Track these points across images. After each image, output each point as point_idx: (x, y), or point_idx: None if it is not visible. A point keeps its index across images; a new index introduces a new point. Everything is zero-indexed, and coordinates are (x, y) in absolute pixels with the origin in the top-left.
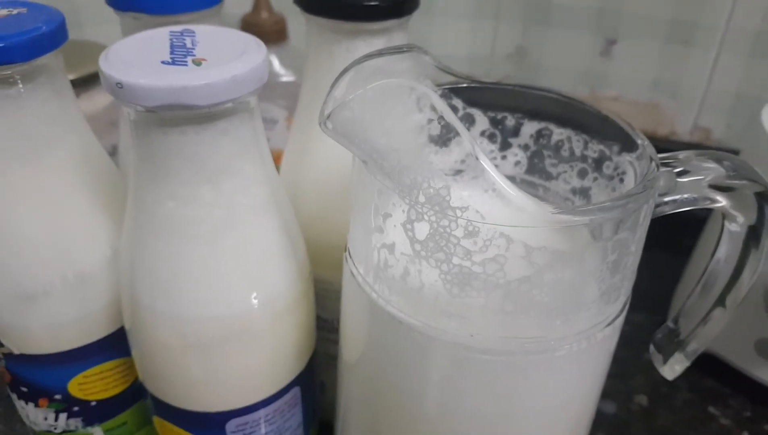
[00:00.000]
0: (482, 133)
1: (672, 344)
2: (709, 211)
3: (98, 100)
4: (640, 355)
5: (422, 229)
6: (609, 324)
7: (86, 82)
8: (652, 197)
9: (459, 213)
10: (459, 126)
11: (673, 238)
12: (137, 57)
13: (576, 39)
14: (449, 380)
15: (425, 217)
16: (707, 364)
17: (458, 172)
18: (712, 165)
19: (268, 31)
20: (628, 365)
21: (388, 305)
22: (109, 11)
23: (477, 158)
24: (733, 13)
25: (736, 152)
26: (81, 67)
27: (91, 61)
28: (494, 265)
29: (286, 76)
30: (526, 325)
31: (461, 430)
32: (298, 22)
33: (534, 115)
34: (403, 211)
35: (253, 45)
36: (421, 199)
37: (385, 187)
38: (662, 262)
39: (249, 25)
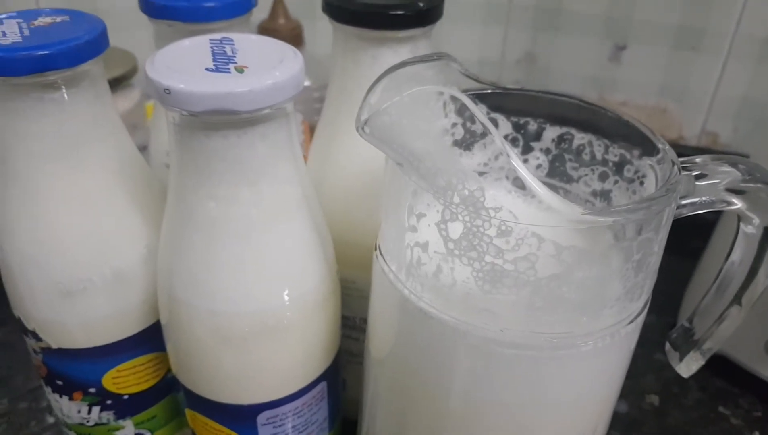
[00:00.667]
0: (505, 137)
1: (688, 343)
2: (719, 213)
3: (120, 104)
4: (652, 355)
5: (456, 229)
6: (632, 321)
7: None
8: (674, 200)
9: (492, 213)
10: (492, 128)
11: (682, 241)
12: (182, 64)
13: (585, 45)
14: (478, 374)
15: (459, 217)
16: (717, 365)
17: (481, 174)
18: (728, 169)
19: (285, 37)
20: (640, 365)
21: (420, 301)
22: (131, 17)
23: (509, 157)
24: (741, 19)
25: (745, 156)
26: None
27: (114, 66)
28: (525, 263)
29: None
30: (553, 321)
31: (487, 424)
32: (314, 28)
33: (556, 120)
34: (438, 211)
35: (290, 53)
36: (456, 200)
37: (420, 188)
38: (672, 264)
39: (266, 31)
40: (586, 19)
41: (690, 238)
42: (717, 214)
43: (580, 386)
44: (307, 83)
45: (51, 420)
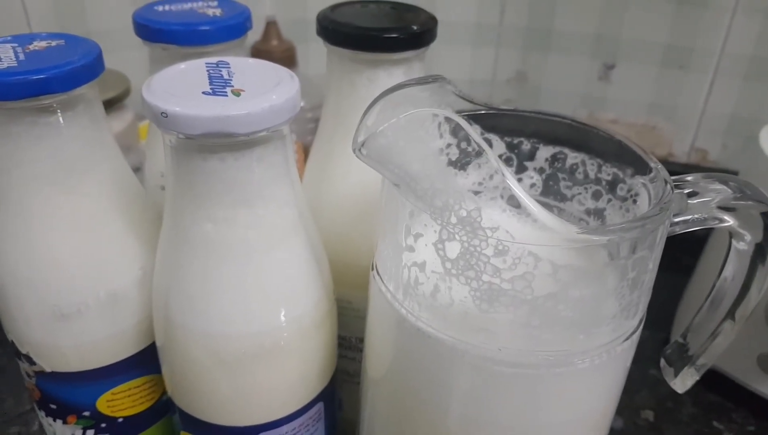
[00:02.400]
0: (499, 157)
1: (682, 359)
2: (710, 230)
3: (113, 125)
4: (646, 371)
5: (453, 248)
6: (627, 338)
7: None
8: (668, 218)
9: (490, 233)
10: (486, 148)
11: (674, 258)
12: (178, 87)
13: (575, 64)
14: (475, 393)
15: (456, 236)
16: (711, 380)
17: (476, 193)
18: (719, 186)
19: (278, 58)
20: (635, 381)
21: (417, 321)
22: (123, 38)
23: (504, 176)
24: (727, 38)
25: (734, 173)
26: None
27: (107, 88)
28: (522, 282)
29: None
30: (550, 340)
31: None
32: (307, 49)
33: (549, 139)
34: (435, 231)
35: (287, 76)
36: (453, 220)
37: (417, 209)
38: (664, 280)
39: (259, 53)
40: (576, 38)
41: (682, 254)
42: (708, 231)
43: (577, 404)
44: (300, 103)
45: None
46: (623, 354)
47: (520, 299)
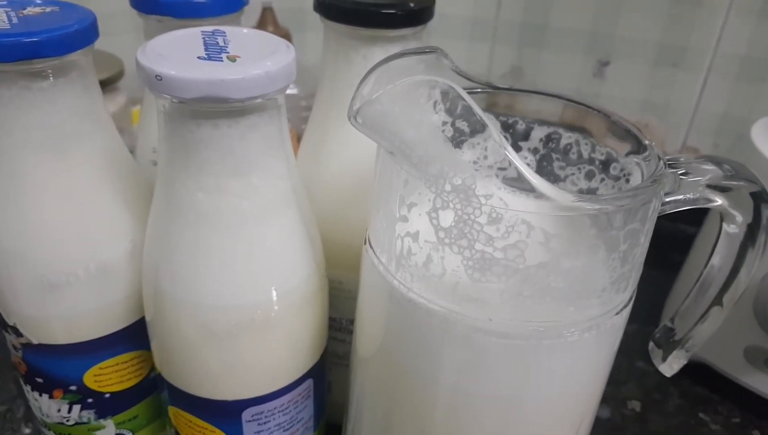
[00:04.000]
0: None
1: (670, 343)
2: (699, 227)
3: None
4: (633, 362)
5: (447, 217)
6: (618, 313)
7: None
8: (661, 190)
9: (484, 200)
10: (485, 119)
11: (662, 254)
12: (173, 52)
13: (570, 60)
14: (466, 364)
15: (450, 205)
16: (698, 372)
17: None
18: (711, 167)
19: None
20: (622, 372)
21: (409, 292)
22: (118, 21)
23: (504, 148)
24: (721, 37)
25: None
26: None
27: (100, 69)
28: (515, 251)
29: (289, 89)
30: (541, 310)
31: (475, 416)
32: (303, 38)
33: (544, 119)
34: (429, 199)
35: (283, 45)
36: (448, 187)
37: (412, 178)
38: (652, 277)
39: None
40: (571, 35)
41: (670, 251)
42: (697, 228)
43: (566, 377)
44: (294, 91)
45: (27, 431)
46: (613, 329)
47: (512, 268)
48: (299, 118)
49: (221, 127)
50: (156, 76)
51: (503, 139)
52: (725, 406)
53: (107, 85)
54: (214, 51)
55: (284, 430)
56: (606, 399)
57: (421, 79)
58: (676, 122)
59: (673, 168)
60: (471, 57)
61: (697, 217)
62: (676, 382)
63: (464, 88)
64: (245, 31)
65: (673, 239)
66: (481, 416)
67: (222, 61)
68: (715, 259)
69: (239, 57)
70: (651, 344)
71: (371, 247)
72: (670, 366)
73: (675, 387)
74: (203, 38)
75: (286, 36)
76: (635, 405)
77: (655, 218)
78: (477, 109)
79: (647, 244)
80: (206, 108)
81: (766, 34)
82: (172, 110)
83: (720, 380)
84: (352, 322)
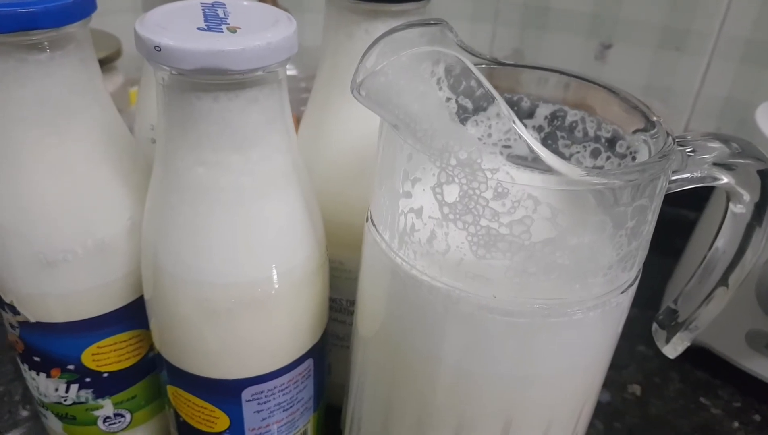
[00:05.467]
0: (498, 114)
1: (674, 324)
2: (700, 212)
3: None
4: (634, 347)
5: (452, 192)
6: (623, 291)
7: None
8: (669, 167)
9: (490, 175)
10: (494, 91)
11: (664, 240)
12: (173, 23)
13: (572, 43)
14: (470, 343)
15: (456, 179)
16: (699, 356)
17: None
18: (717, 145)
19: None
20: (623, 356)
21: (412, 269)
22: (115, 2)
23: (513, 122)
24: (725, 20)
25: None
26: None
27: (98, 48)
28: (521, 227)
29: (288, 70)
30: (546, 288)
31: (477, 398)
32: (302, 20)
33: (549, 95)
34: (434, 174)
35: (284, 17)
36: (453, 162)
37: (416, 152)
38: (653, 262)
39: None
40: (574, 17)
41: (671, 236)
42: (698, 213)
43: (570, 356)
44: (293, 72)
45: (25, 413)
46: (619, 307)
47: (518, 245)
48: (298, 100)
49: (221, 100)
50: (155, 46)
51: (511, 112)
52: (726, 390)
53: (105, 64)
54: (214, 22)
55: (284, 410)
56: (606, 383)
57: (426, 50)
58: (679, 106)
59: (680, 146)
60: (472, 39)
61: (698, 202)
62: (677, 366)
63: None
64: (245, 3)
65: (675, 224)
66: (484, 395)
67: (222, 32)
68: (720, 241)
69: (239, 28)
70: (654, 326)
71: (373, 224)
72: (674, 347)
73: (676, 371)
74: (203, 9)
75: None
76: (636, 389)
77: (663, 196)
78: (484, 81)
79: (654, 223)
80: (206, 80)
81: None
82: (171, 83)
83: (721, 364)
84: (352, 302)
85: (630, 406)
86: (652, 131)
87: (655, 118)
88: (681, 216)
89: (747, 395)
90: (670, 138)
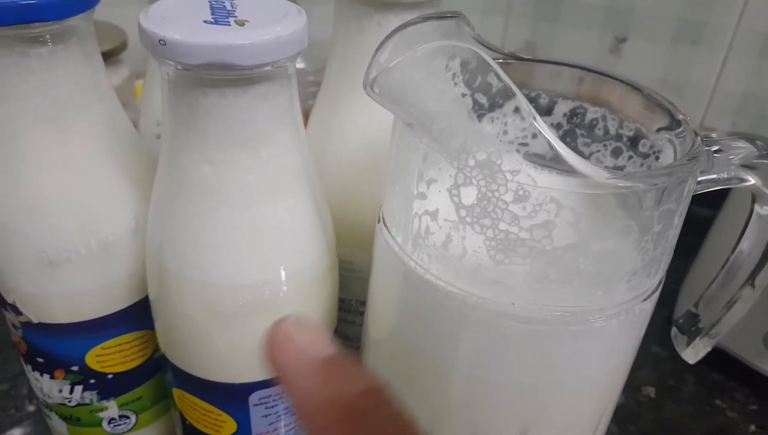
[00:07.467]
0: (515, 111)
1: (695, 329)
2: (716, 210)
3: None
4: (648, 348)
5: (469, 194)
6: (646, 299)
7: None
8: (698, 169)
9: (510, 177)
10: (514, 87)
11: (679, 238)
12: (178, 16)
13: (586, 36)
14: (485, 352)
15: (473, 181)
16: (714, 358)
17: None
18: (743, 144)
19: None
20: (637, 357)
21: (426, 273)
22: None
23: (534, 118)
24: (743, 13)
25: None
26: None
27: (103, 41)
28: (542, 231)
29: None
30: (567, 295)
31: (493, 407)
32: (310, 12)
33: (568, 91)
34: (450, 175)
35: (294, 10)
36: (471, 163)
37: (432, 152)
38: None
39: None
40: (588, 9)
41: (686, 235)
42: (714, 211)
43: (590, 366)
44: (302, 65)
45: (31, 408)
46: (641, 314)
47: (539, 250)
48: (307, 94)
49: (229, 96)
50: (159, 40)
51: (531, 108)
52: (742, 392)
53: (110, 57)
54: (221, 15)
55: (292, 415)
56: None
57: (443, 44)
58: (695, 101)
59: (705, 146)
60: (484, 31)
61: (715, 199)
62: (692, 367)
63: None
64: None
65: (689, 222)
66: (499, 404)
67: (230, 25)
68: (745, 243)
69: (248, 21)
70: (674, 330)
71: (386, 225)
72: (695, 352)
73: (690, 373)
74: (210, 2)
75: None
76: (650, 391)
77: (690, 199)
78: (505, 77)
79: (680, 227)
80: (213, 75)
81: None
82: (176, 78)
83: (737, 366)
84: (362, 303)
85: (644, 409)
86: (678, 130)
87: (681, 117)
88: (695, 213)
89: (764, 398)
90: (699, 138)
